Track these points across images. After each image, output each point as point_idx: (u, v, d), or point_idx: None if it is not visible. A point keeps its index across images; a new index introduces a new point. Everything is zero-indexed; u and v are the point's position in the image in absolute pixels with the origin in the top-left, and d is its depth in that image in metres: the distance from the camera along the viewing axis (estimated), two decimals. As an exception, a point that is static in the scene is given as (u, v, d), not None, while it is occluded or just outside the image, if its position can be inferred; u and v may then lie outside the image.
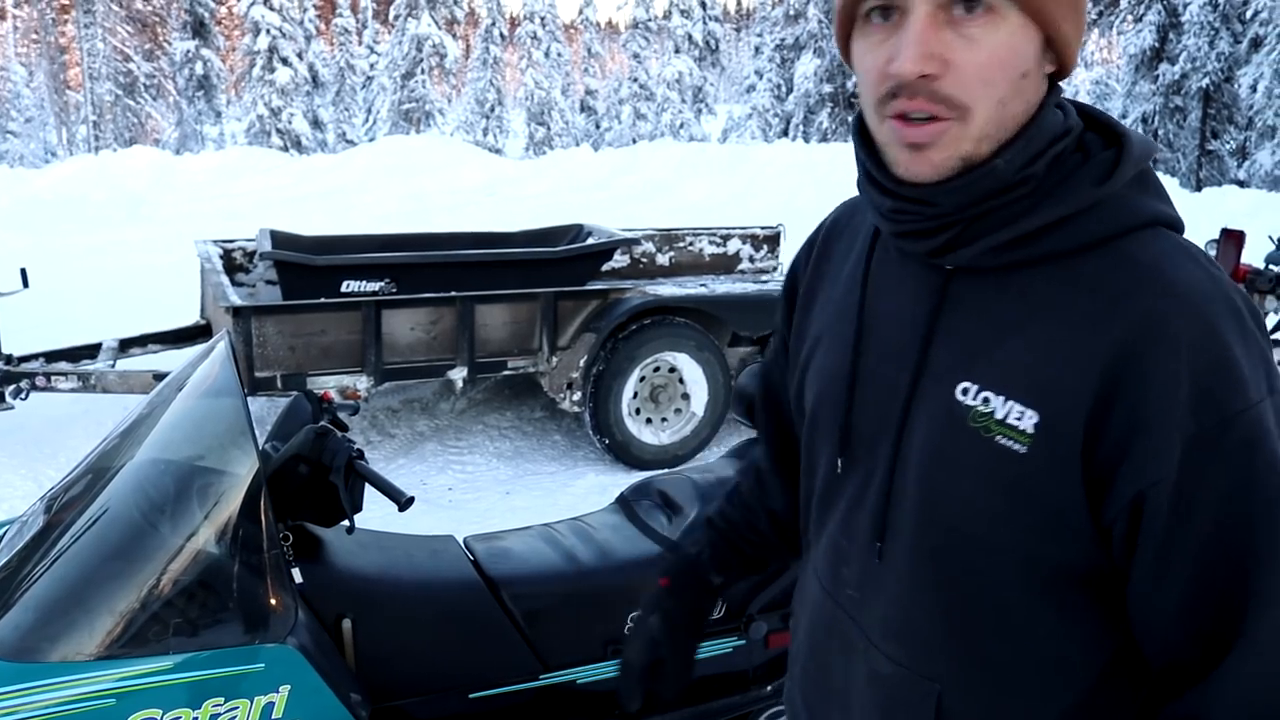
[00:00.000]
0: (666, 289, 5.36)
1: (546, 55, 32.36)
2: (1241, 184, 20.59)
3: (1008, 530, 1.00)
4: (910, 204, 1.02)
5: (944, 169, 0.97)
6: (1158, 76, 23.48)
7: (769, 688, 2.68)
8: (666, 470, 2.91)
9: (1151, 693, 1.01)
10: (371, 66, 33.44)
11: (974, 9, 0.92)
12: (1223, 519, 0.91)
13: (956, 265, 1.03)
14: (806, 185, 16.21)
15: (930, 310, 1.05)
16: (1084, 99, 28.66)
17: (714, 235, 7.57)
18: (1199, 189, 15.31)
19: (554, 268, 5.76)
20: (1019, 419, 0.97)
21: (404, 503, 2.09)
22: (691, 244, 7.43)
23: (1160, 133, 22.97)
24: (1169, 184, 14.65)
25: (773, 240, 7.81)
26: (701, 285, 5.52)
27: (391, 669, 2.25)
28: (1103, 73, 33.79)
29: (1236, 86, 23.46)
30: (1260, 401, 0.91)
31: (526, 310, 5.17)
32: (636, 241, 6.45)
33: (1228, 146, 24.21)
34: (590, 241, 6.33)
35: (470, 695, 2.32)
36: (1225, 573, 0.92)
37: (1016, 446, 0.97)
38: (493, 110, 29.92)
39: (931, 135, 0.96)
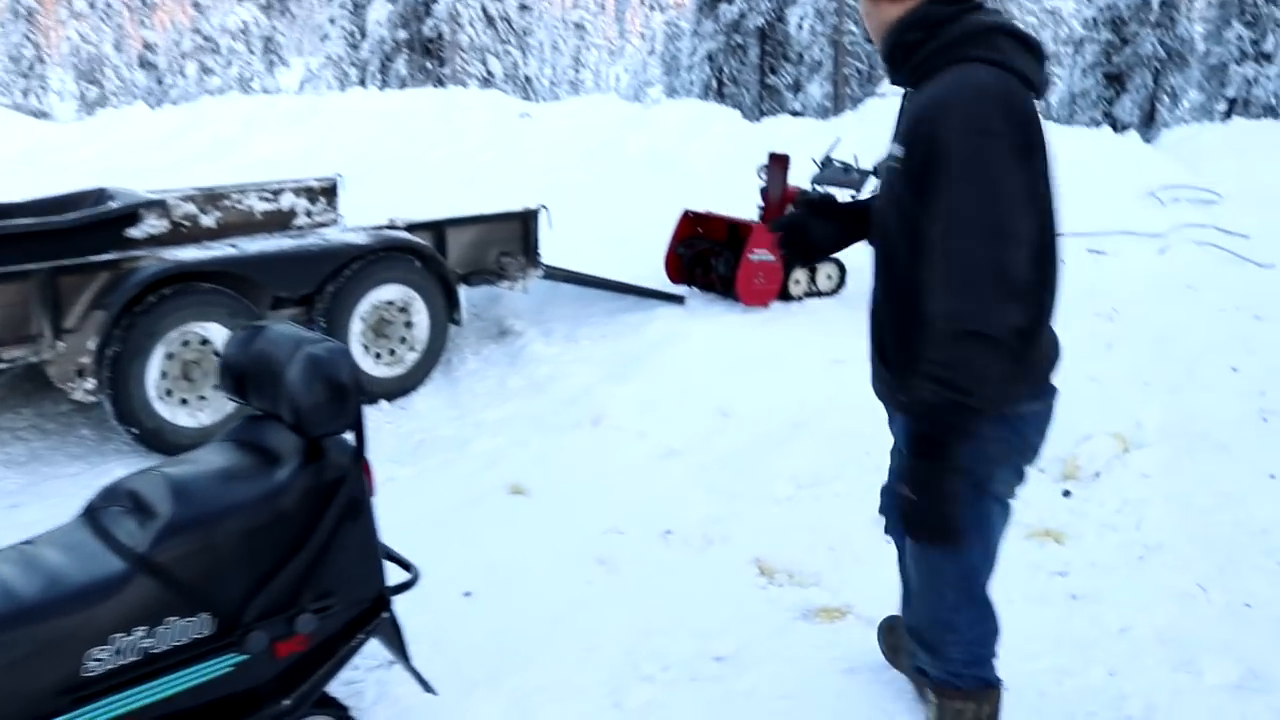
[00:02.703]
0: (188, 253, 4.76)
1: (92, 5, 29.14)
2: (797, 114, 22.27)
3: (895, 209, 2.13)
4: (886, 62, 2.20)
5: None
6: (719, 16, 24.79)
7: (287, 701, 2.34)
8: (142, 469, 2.48)
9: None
10: None
11: None
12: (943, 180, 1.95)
13: (899, 85, 2.23)
14: (385, 134, 15.63)
15: (898, 112, 2.25)
16: (658, 40, 29.76)
17: (264, 191, 6.96)
18: (760, 120, 16.27)
19: (61, 240, 4.99)
20: (898, 151, 2.11)
21: None
22: (240, 202, 6.79)
23: (725, 69, 24.34)
24: (732, 116, 15.44)
25: (329, 192, 7.29)
26: (231, 246, 4.97)
27: None
28: (675, 14, 35.45)
29: (787, 25, 25.25)
30: (975, 134, 1.92)
31: (17, 291, 4.40)
32: (161, 203, 5.74)
33: (784, 80, 26.12)
34: (109, 206, 5.57)
35: None
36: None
37: (896, 165, 2.10)
38: (31, 68, 26.56)
39: None
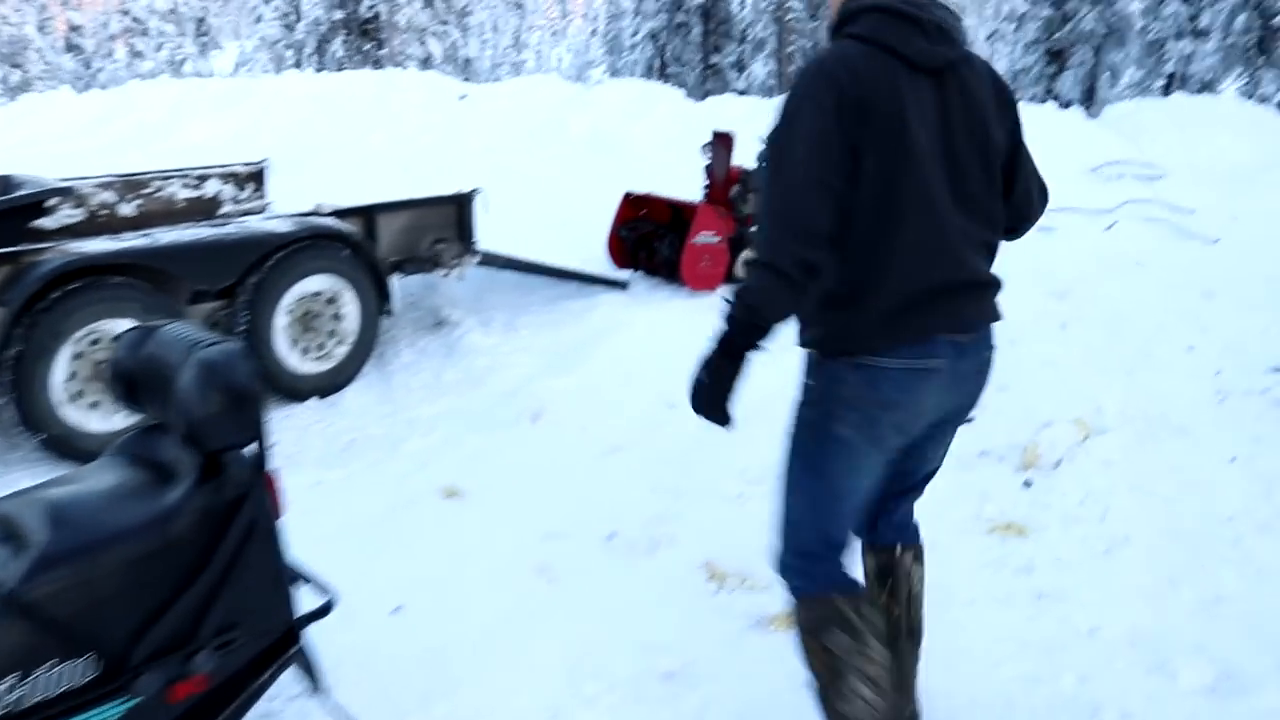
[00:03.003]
0: (97, 245, 4.44)
1: (14, -14, 28.12)
2: (742, 93, 22.06)
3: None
4: None
5: None
6: (660, -6, 24.51)
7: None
8: (15, 491, 2.21)
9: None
10: None
11: None
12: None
13: None
14: (319, 117, 15.21)
15: None
16: (601, 19, 29.37)
17: (187, 177, 6.63)
18: (704, 99, 16.04)
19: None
20: None
21: None
22: (161, 189, 6.46)
23: (669, 48, 24.06)
24: (675, 96, 15.21)
25: (257, 177, 6.98)
26: (144, 236, 4.66)
27: None
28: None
29: (729, 3, 25.01)
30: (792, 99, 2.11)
31: (-98, 292, 4.09)
32: (69, 190, 5.40)
33: (729, 59, 25.89)
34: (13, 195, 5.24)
35: None
36: None
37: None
38: (-50, 53, 25.61)
39: None
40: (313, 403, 4.97)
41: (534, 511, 3.78)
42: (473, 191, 5.70)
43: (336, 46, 23.06)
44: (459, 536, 3.62)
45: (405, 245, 5.52)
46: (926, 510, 2.67)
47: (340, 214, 5.18)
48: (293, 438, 4.61)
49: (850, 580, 2.32)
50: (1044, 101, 19.14)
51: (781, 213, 2.07)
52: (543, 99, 15.33)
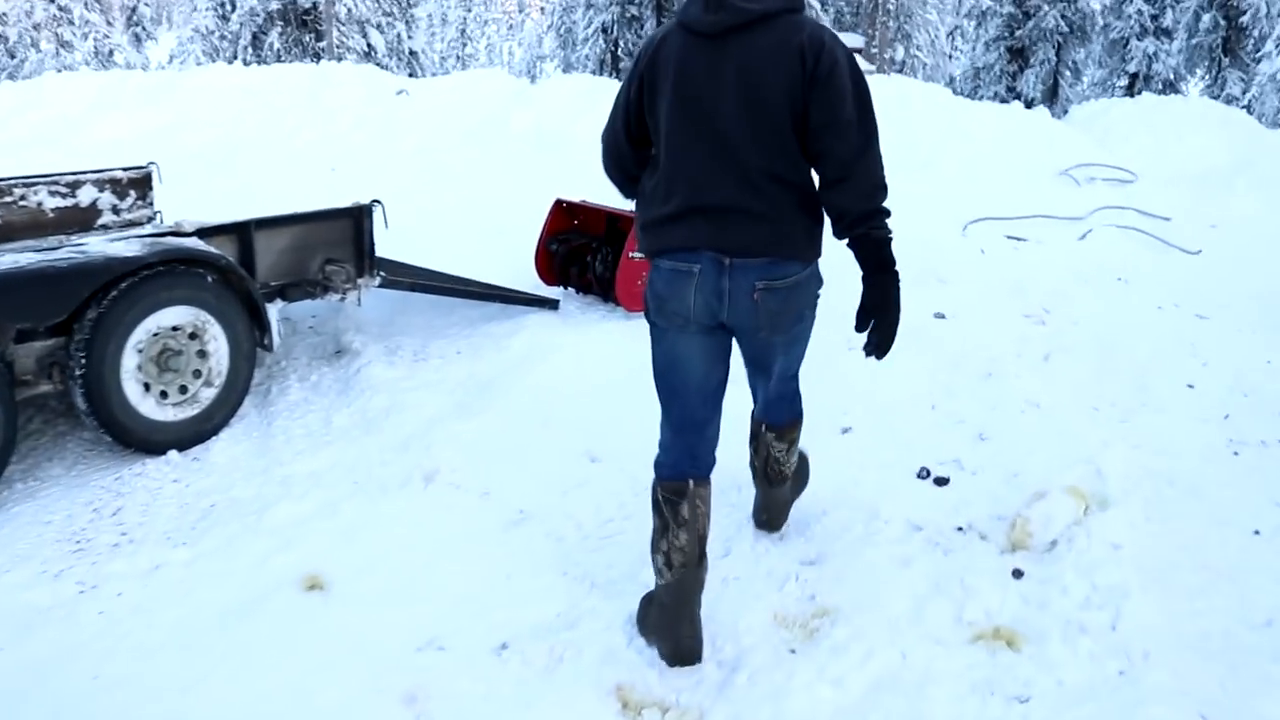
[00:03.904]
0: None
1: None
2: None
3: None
4: None
5: None
6: (613, -14, 23.72)
7: None
8: None
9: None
10: None
11: None
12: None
13: None
14: (249, 111, 14.35)
15: None
16: (555, 14, 28.65)
17: (57, 184, 5.84)
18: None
19: None
20: None
21: None
22: (25, 198, 5.67)
23: (620, 42, 23.32)
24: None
25: (142, 184, 6.19)
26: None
27: None
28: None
29: (684, -5, 24.27)
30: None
31: None
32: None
33: (684, 54, 25.10)
34: None
35: None
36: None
37: None
38: None
39: None
40: (173, 456, 4.19)
41: (411, 610, 3.04)
42: (371, 204, 4.93)
43: (274, 38, 22.05)
44: (313, 647, 2.88)
45: (290, 267, 4.74)
46: (902, 608, 2.79)
47: (206, 233, 4.40)
48: (140, 503, 3.84)
49: (692, 468, 2.83)
50: (1008, 101, 18.58)
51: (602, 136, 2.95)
52: (485, 94, 14.54)
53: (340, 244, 4.87)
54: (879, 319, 2.63)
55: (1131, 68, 21.78)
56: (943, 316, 5.93)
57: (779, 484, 3.28)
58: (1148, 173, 11.44)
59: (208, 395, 4.32)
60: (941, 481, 3.69)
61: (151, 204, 6.23)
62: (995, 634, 2.82)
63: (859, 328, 2.67)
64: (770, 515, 3.39)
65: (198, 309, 4.23)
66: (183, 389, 4.26)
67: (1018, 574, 3.08)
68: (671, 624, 2.77)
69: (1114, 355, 4.95)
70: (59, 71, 20.34)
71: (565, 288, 6.31)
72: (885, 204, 2.63)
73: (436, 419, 4.44)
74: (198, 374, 4.29)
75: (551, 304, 5.94)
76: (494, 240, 7.69)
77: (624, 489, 3.78)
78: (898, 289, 2.63)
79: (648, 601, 2.90)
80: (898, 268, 2.63)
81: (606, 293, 6.03)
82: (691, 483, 2.78)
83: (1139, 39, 21.63)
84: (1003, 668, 2.70)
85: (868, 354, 2.67)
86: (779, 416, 3.16)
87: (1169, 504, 3.51)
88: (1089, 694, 2.58)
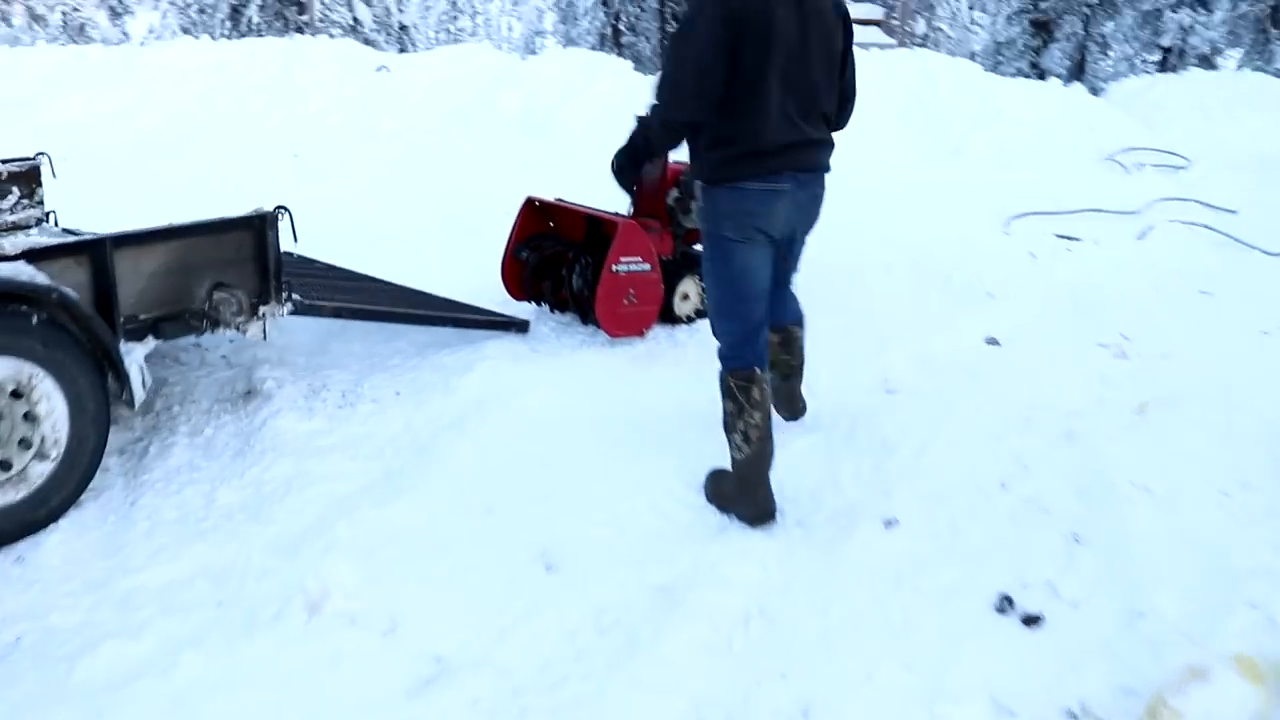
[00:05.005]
0: None
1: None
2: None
3: None
4: None
5: None
6: (616, -43, 22.49)
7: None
8: None
9: None
10: None
11: None
12: None
13: None
14: (216, 90, 13.29)
15: None
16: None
17: (-76, 181, 4.80)
18: (658, 71, 14.21)
19: None
20: None
21: None
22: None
23: (623, 15, 22.13)
24: (623, 68, 13.35)
25: (27, 178, 5.12)
26: None
27: None
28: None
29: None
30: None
31: None
32: None
33: (690, 29, 23.94)
34: None
35: None
36: None
37: None
38: None
39: None
40: (-11, 555, 3.13)
41: None
42: (276, 211, 3.83)
43: (252, 12, 20.86)
44: None
45: (165, 295, 3.64)
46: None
47: (42, 254, 3.30)
48: (-81, 634, 2.78)
49: (757, 360, 3.24)
50: (1031, 76, 17.39)
51: (664, 79, 3.09)
52: (473, 71, 13.44)
53: (235, 264, 3.78)
54: None
55: (1165, 41, 20.50)
56: (996, 343, 4.85)
57: (800, 375, 3.87)
58: (1201, 157, 10.31)
59: (40, 471, 3.25)
60: (1032, 621, 2.61)
61: (41, 203, 5.17)
62: None
63: None
64: (799, 404, 3.92)
65: (19, 359, 3.16)
66: (4, 465, 3.19)
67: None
68: (753, 489, 3.18)
69: (1226, 406, 3.84)
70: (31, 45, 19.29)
71: (537, 304, 5.24)
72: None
73: (347, 500, 3.38)
74: (25, 444, 3.23)
75: (520, 325, 4.88)
76: (464, 240, 6.65)
77: (585, 620, 2.72)
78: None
79: (720, 476, 3.33)
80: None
81: (585, 313, 4.96)
82: (757, 369, 3.21)
83: (1174, 10, 20.37)
84: None
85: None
86: (799, 311, 3.80)
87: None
88: None
